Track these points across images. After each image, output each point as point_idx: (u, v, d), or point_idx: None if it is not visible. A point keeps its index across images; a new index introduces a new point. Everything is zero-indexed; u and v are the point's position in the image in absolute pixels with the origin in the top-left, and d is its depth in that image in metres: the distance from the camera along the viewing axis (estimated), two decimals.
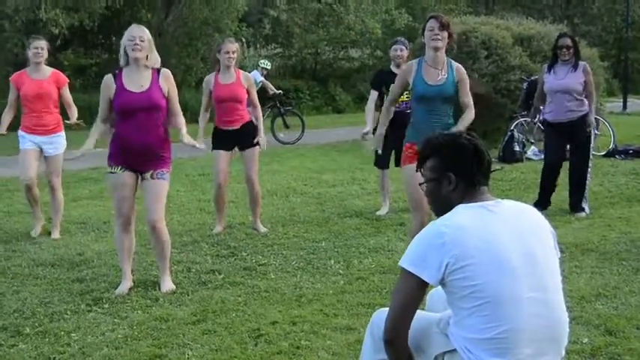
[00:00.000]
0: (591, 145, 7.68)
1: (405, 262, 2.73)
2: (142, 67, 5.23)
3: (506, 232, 2.70)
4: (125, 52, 5.20)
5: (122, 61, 5.25)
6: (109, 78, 5.29)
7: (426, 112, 5.44)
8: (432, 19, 5.41)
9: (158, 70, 5.30)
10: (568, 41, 7.59)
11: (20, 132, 7.16)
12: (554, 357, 2.76)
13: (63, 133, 7.24)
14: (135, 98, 5.17)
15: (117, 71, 5.29)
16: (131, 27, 5.28)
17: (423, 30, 5.45)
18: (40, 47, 7.05)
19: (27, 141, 7.11)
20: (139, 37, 5.17)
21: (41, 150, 7.14)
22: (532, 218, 2.84)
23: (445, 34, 5.37)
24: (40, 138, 7.09)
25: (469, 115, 5.50)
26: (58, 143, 7.16)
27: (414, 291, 2.70)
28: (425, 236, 2.75)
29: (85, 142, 5.36)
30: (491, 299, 2.62)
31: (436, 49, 5.38)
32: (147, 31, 5.26)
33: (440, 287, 2.77)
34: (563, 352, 2.81)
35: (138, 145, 5.18)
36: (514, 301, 2.63)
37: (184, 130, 5.35)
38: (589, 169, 7.68)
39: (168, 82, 5.31)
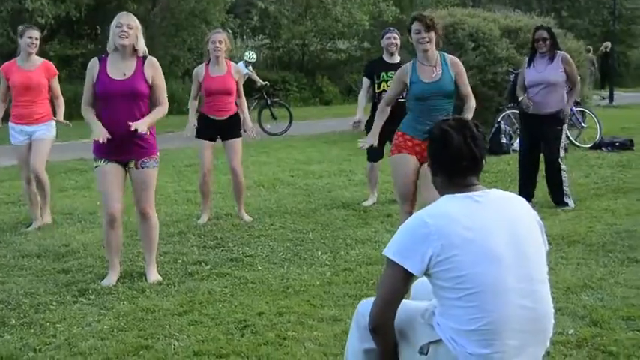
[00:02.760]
0: (562, 138, 7.69)
1: (389, 252, 2.74)
2: (127, 54, 5.18)
3: (493, 222, 2.71)
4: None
5: (109, 47, 5.21)
6: (94, 61, 5.26)
7: (425, 110, 5.39)
8: (417, 22, 5.41)
9: (144, 58, 5.25)
10: (544, 34, 7.62)
11: (10, 124, 7.07)
12: (539, 348, 2.78)
13: (53, 123, 7.14)
14: (116, 85, 5.12)
15: (103, 56, 5.25)
16: (120, 14, 5.24)
17: (409, 31, 5.46)
18: (34, 37, 6.94)
19: (16, 134, 7.03)
20: (126, 24, 5.12)
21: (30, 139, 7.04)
22: (520, 209, 2.84)
23: (432, 34, 5.38)
24: (29, 128, 6.99)
25: (471, 104, 5.48)
26: (46, 130, 7.04)
27: (399, 280, 2.71)
28: (409, 226, 2.76)
29: (93, 128, 5.13)
30: (477, 290, 2.62)
31: (425, 51, 5.41)
32: (135, 19, 5.21)
33: (424, 277, 2.77)
34: (548, 343, 2.83)
35: (119, 133, 5.11)
36: (500, 292, 2.63)
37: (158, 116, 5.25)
38: (562, 165, 7.65)
39: (153, 69, 5.24)
